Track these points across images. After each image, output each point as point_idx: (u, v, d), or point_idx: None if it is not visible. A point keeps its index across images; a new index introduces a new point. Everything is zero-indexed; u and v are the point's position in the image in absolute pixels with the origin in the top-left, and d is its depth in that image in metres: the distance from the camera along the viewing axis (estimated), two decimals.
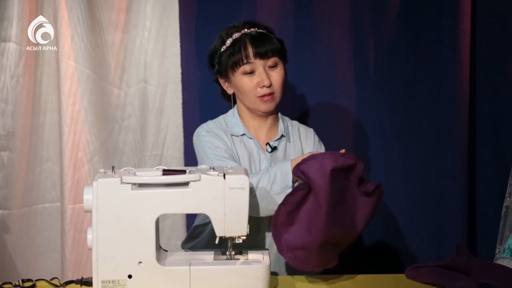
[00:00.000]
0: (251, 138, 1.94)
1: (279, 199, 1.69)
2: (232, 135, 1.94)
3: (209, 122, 1.98)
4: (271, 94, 1.88)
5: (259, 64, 1.86)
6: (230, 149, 1.90)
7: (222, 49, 1.90)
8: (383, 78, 2.45)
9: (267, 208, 1.77)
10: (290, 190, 1.72)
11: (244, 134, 1.94)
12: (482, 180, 2.55)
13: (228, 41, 1.89)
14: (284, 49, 1.93)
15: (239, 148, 1.92)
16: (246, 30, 1.89)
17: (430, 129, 2.47)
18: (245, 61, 1.86)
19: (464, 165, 2.47)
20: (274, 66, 1.89)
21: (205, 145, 1.90)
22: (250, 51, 1.86)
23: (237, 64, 1.87)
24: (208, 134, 1.92)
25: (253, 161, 1.92)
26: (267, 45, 1.87)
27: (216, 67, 1.94)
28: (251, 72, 1.87)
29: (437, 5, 2.42)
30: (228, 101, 2.02)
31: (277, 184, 1.75)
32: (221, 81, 1.96)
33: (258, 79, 1.87)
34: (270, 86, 1.87)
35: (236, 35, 1.89)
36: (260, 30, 1.90)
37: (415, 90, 2.46)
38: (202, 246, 1.95)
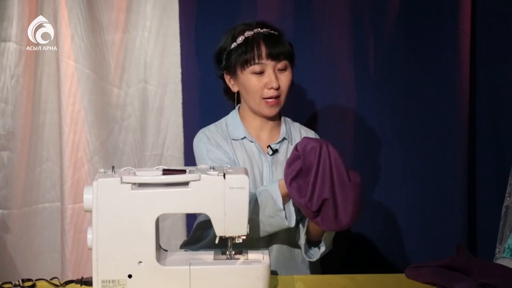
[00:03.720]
0: (251, 142, 1.93)
1: (273, 221, 1.72)
2: (232, 139, 1.93)
3: (211, 127, 1.97)
4: (277, 97, 1.87)
5: (269, 66, 1.85)
6: (232, 159, 1.89)
7: (232, 46, 1.88)
8: (383, 78, 2.45)
9: (265, 230, 1.77)
10: (282, 213, 1.70)
11: (244, 138, 1.93)
12: (482, 180, 2.55)
13: (240, 39, 1.87)
14: (294, 53, 1.92)
15: (239, 154, 1.91)
16: (259, 29, 1.87)
17: (430, 129, 2.47)
18: (256, 60, 1.84)
19: (464, 165, 2.47)
20: (283, 69, 1.87)
21: (206, 155, 1.88)
22: (263, 50, 1.84)
23: (247, 63, 1.85)
24: (209, 143, 1.90)
25: (255, 164, 1.91)
26: (280, 47, 1.85)
27: (224, 63, 1.91)
28: (261, 73, 1.85)
29: (437, 5, 2.42)
30: (229, 99, 2.01)
31: (269, 208, 1.73)
32: (227, 77, 1.94)
33: (266, 80, 1.85)
34: (278, 88, 1.86)
35: (248, 33, 1.87)
36: (273, 32, 1.89)
37: (415, 90, 2.46)
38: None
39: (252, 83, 1.86)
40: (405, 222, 2.50)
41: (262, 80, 1.85)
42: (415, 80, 2.46)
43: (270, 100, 1.86)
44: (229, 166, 1.72)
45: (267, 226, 1.75)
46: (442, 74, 2.44)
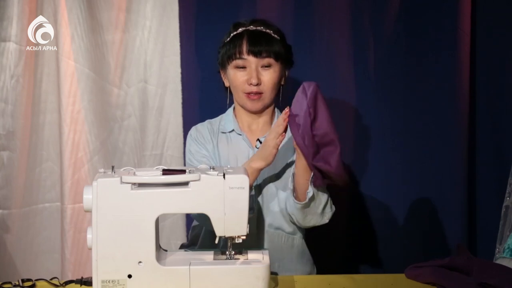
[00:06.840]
0: (240, 135, 1.96)
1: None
2: (222, 132, 1.98)
3: (205, 122, 2.03)
4: (259, 93, 1.90)
5: (252, 62, 1.89)
6: (213, 153, 1.94)
7: (225, 41, 1.94)
8: (383, 78, 2.45)
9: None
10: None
11: (232, 131, 1.96)
12: (482, 180, 2.55)
13: (232, 35, 1.93)
14: (285, 54, 1.94)
15: (223, 147, 1.95)
16: (251, 27, 1.92)
17: (430, 129, 2.47)
18: (238, 55, 1.89)
19: (464, 165, 2.47)
20: (267, 67, 1.90)
21: (188, 149, 1.98)
22: (244, 47, 1.88)
23: (230, 58, 1.90)
24: (196, 138, 1.97)
25: (241, 157, 1.94)
26: (263, 45, 1.89)
27: (218, 58, 1.98)
28: (243, 68, 1.90)
29: (437, 5, 2.42)
30: (225, 91, 2.04)
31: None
32: (222, 72, 2.00)
33: (248, 76, 1.89)
34: (258, 85, 1.89)
35: (240, 30, 1.92)
36: (264, 30, 1.92)
37: (415, 90, 2.46)
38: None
39: (236, 78, 1.91)
40: (405, 222, 2.50)
41: (244, 76, 1.90)
42: (415, 80, 2.46)
43: (251, 94, 1.89)
44: (209, 160, 1.81)
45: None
46: (442, 74, 2.44)
